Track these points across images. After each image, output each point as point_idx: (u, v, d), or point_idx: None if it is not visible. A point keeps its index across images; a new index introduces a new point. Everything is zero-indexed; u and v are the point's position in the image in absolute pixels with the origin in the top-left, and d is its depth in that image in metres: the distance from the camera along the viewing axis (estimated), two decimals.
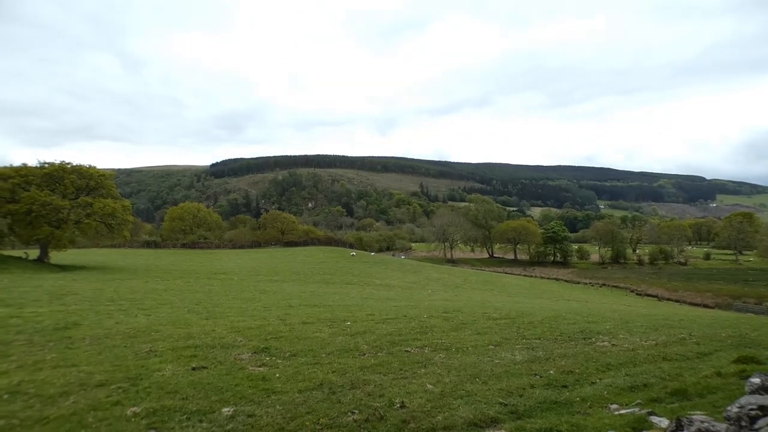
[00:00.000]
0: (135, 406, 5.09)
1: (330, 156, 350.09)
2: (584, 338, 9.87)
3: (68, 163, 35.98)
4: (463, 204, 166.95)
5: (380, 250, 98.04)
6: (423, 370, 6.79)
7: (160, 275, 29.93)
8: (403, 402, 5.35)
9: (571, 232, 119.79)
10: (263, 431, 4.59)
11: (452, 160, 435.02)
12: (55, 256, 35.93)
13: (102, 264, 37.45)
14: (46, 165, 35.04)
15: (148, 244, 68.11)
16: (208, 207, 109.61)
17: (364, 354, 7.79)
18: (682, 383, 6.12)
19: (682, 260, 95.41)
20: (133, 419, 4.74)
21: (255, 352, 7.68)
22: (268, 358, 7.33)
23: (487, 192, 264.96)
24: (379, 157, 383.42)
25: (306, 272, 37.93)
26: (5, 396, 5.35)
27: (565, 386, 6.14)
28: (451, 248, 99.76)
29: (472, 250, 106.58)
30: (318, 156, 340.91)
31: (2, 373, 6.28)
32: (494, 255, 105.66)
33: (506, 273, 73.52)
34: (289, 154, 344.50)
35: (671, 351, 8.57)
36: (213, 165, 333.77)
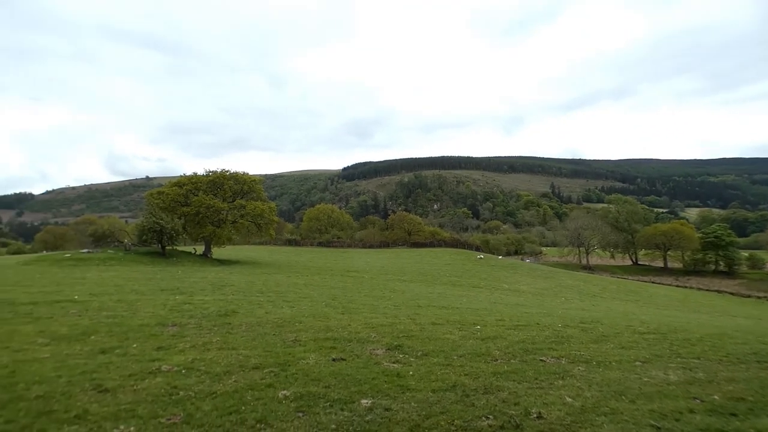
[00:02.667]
0: (285, 389, 5.56)
1: (454, 157, 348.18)
2: (758, 361, 8.32)
3: (227, 171, 41.17)
4: (600, 205, 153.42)
5: (508, 254, 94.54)
6: (560, 382, 6.36)
7: (300, 271, 32.60)
8: (540, 413, 5.08)
9: (740, 237, 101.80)
10: (399, 426, 4.70)
11: (587, 158, 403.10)
12: (216, 252, 41.32)
13: (252, 259, 42.10)
14: (211, 173, 40.51)
15: (289, 242, 74.80)
16: (340, 208, 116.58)
17: (497, 360, 7.55)
18: None
19: None
20: (283, 401, 5.18)
21: (388, 349, 7.91)
22: (401, 356, 7.50)
23: (629, 192, 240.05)
24: (505, 156, 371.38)
25: (433, 273, 38.19)
26: (183, 371, 6.24)
27: (734, 414, 5.25)
28: (587, 254, 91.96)
29: (612, 257, 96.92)
30: (442, 157, 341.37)
31: (180, 351, 7.37)
32: (639, 262, 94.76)
33: (654, 282, 65.58)
34: (414, 156, 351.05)
35: None
36: (344, 169, 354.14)
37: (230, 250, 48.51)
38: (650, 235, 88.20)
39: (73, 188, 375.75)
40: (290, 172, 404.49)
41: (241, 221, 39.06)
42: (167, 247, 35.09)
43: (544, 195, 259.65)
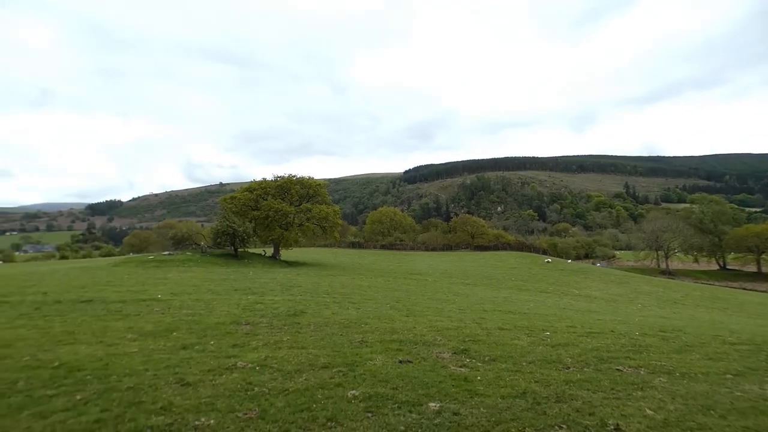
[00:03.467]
0: (353, 389, 5.63)
1: (519, 158, 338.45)
2: None
3: (293, 176, 42.60)
4: (682, 206, 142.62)
5: (577, 258, 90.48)
6: (639, 393, 5.95)
7: (364, 273, 32.99)
8: (618, 424, 4.79)
9: None
10: (469, 431, 4.63)
11: (667, 155, 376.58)
12: (284, 254, 42.84)
13: (317, 261, 43.23)
14: (278, 178, 42.10)
15: (353, 245, 75.94)
16: (402, 211, 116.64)
17: (569, 367, 7.20)
18: None
19: None
20: (352, 401, 5.25)
21: (455, 353, 7.80)
22: (468, 360, 7.36)
23: (716, 190, 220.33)
24: (574, 156, 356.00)
25: (497, 277, 37.26)
26: (257, 368, 6.50)
27: None
28: (666, 257, 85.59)
29: (695, 261, 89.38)
30: (506, 158, 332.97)
31: (253, 349, 7.69)
32: (727, 267, 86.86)
33: (745, 289, 59.74)
34: (476, 158, 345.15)
35: None
36: (406, 172, 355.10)
37: (297, 252, 50.11)
38: (741, 237, 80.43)
39: (156, 195, 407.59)
40: (353, 175, 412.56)
41: (307, 224, 40.22)
42: (239, 249, 36.76)
43: (618, 195, 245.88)
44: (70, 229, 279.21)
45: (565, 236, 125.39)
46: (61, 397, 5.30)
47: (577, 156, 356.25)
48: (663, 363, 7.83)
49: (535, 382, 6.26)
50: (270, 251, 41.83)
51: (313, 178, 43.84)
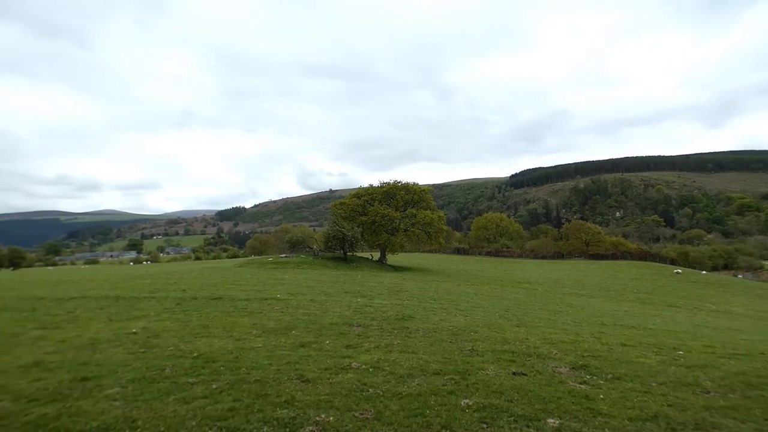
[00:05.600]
0: (467, 398, 5.52)
1: (641, 158, 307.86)
2: None
3: (399, 182, 43.47)
4: None
5: (714, 269, 79.65)
6: None
7: (470, 280, 32.46)
8: None
9: None
10: None
11: None
12: (390, 258, 43.78)
13: (422, 266, 43.47)
14: (384, 185, 43.25)
15: (457, 251, 75.20)
16: (509, 217, 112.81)
17: (708, 392, 6.36)
18: None
19: None
20: (466, 410, 5.14)
21: (573, 368, 7.30)
22: (588, 377, 6.84)
23: None
24: (709, 153, 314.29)
25: (617, 289, 34.33)
26: (370, 369, 6.69)
27: None
28: None
29: None
30: (626, 159, 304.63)
31: (366, 351, 7.92)
32: None
33: None
34: (590, 159, 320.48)
35: None
36: (512, 176, 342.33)
37: (402, 257, 50.88)
38: None
39: (274, 202, 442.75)
40: (457, 181, 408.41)
41: (412, 230, 40.72)
42: (348, 253, 38.34)
43: (767, 196, 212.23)
44: (203, 233, 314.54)
45: (699, 244, 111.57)
46: (200, 385, 5.91)
47: (714, 153, 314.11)
48: None
49: (668, 405, 5.67)
50: (377, 255, 42.98)
51: (417, 183, 44.33)
